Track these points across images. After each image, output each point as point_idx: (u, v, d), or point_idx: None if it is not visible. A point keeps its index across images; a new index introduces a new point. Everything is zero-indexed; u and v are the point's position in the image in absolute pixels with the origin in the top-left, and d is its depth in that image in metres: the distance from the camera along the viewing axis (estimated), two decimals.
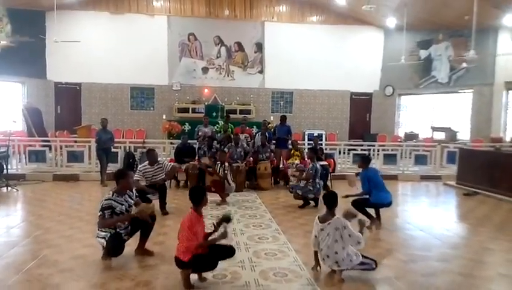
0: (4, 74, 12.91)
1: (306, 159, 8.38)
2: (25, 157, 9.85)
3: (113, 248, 4.12)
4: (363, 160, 6.19)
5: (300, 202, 7.08)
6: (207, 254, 3.63)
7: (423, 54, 15.00)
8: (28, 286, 3.66)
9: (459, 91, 14.34)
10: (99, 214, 4.19)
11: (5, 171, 8.65)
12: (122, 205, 4.29)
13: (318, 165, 7.15)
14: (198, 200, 3.81)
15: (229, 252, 3.83)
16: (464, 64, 13.61)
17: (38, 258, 4.34)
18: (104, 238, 4.13)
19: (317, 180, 7.02)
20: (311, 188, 6.95)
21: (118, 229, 4.23)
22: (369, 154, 10.26)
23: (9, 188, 8.05)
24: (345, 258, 3.83)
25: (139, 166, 6.78)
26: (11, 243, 4.84)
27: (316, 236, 3.99)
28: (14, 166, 9.56)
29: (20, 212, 6.87)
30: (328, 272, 4.03)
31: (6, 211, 6.67)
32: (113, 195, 4.29)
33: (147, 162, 6.54)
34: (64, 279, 3.83)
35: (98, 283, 3.75)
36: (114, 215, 4.18)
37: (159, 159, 6.80)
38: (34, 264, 4.18)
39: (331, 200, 4.05)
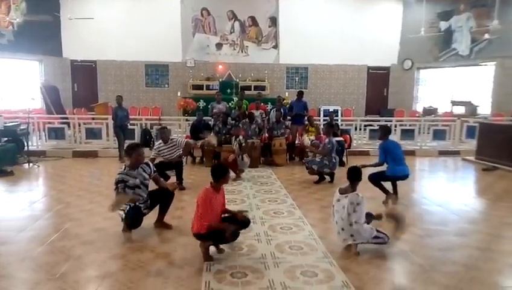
0: (21, 52, 13.03)
1: (322, 134, 8.32)
2: (45, 135, 10.06)
3: (132, 221, 4.22)
4: (383, 131, 6.08)
5: (316, 178, 7.07)
6: (223, 228, 3.69)
7: (443, 25, 14.48)
8: (51, 257, 3.79)
9: (481, 64, 13.86)
10: (114, 188, 4.33)
11: (26, 148, 8.88)
12: (136, 178, 4.35)
13: (334, 141, 7.11)
14: (217, 177, 3.85)
15: (243, 223, 3.89)
16: (486, 36, 13.10)
17: (60, 231, 4.48)
18: (123, 211, 4.22)
19: (333, 154, 6.99)
20: (327, 163, 6.92)
21: (137, 203, 4.31)
22: None
23: (30, 164, 8.27)
24: (360, 231, 3.83)
25: (155, 145, 6.93)
26: (34, 217, 5.00)
27: (333, 206, 4.03)
28: (35, 143, 9.79)
29: (42, 188, 7.06)
30: (343, 246, 4.05)
31: (28, 187, 6.87)
32: (125, 169, 4.39)
33: (160, 141, 6.62)
34: (86, 251, 3.95)
35: (118, 255, 3.86)
36: (127, 189, 4.26)
37: (173, 136, 6.87)
38: (57, 236, 4.32)
39: (354, 174, 4.02)
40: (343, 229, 3.90)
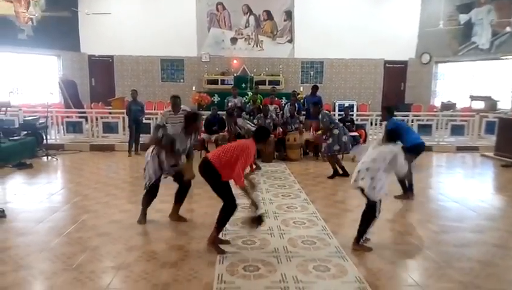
0: (40, 47, 13.28)
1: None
2: (63, 128, 10.25)
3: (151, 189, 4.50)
4: (387, 110, 5.98)
5: (330, 172, 7.04)
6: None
7: (463, 18, 14.12)
8: (68, 248, 3.88)
9: (502, 58, 13.47)
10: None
11: (44, 141, 9.08)
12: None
13: (333, 116, 7.22)
14: (260, 138, 3.85)
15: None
16: (508, 29, 12.72)
17: (77, 223, 4.57)
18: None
19: (341, 134, 6.99)
20: (332, 142, 6.93)
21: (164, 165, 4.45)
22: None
23: (49, 157, 8.45)
24: (380, 183, 3.73)
25: (164, 110, 6.39)
26: (52, 209, 5.12)
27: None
28: (53, 136, 9.99)
29: (60, 180, 7.21)
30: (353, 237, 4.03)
31: (47, 179, 7.03)
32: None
33: (170, 108, 5.87)
34: (102, 242, 4.03)
35: (134, 246, 3.92)
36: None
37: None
38: (74, 228, 4.42)
39: (393, 135, 4.02)
40: (367, 169, 3.75)
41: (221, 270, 3.40)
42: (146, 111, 9.81)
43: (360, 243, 3.89)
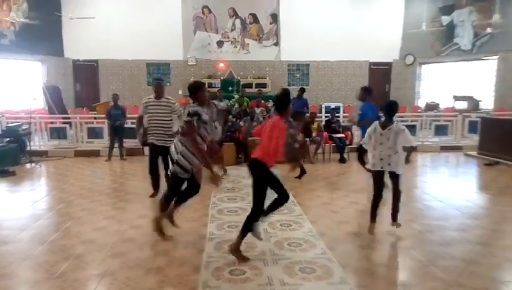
0: (23, 52, 13.08)
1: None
2: (47, 135, 10.10)
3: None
4: (366, 90, 6.34)
5: (319, 174, 7.06)
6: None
7: (445, 20, 14.38)
8: (52, 256, 3.81)
9: (483, 58, 13.76)
10: (185, 119, 3.89)
11: (28, 148, 8.93)
12: (207, 115, 4.06)
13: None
14: (284, 105, 3.68)
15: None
16: (489, 30, 12.99)
17: (61, 230, 4.50)
18: (185, 170, 3.98)
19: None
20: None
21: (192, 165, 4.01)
22: None
23: (32, 164, 8.31)
24: (400, 161, 4.26)
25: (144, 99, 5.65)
26: (36, 216, 5.03)
27: (371, 137, 4.39)
28: (37, 143, 9.83)
29: (44, 187, 7.09)
30: (342, 238, 4.05)
31: (31, 186, 6.91)
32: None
33: (152, 96, 5.49)
34: (86, 249, 3.97)
35: (118, 253, 3.87)
36: (201, 125, 3.94)
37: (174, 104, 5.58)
38: (58, 235, 4.34)
39: (391, 108, 4.36)
40: (389, 155, 4.25)
41: (207, 275, 3.38)
42: (132, 116, 9.70)
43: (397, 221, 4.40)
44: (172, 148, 4.08)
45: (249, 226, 3.67)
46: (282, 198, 3.77)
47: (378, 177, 4.40)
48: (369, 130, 4.45)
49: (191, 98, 4.14)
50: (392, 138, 4.23)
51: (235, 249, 3.66)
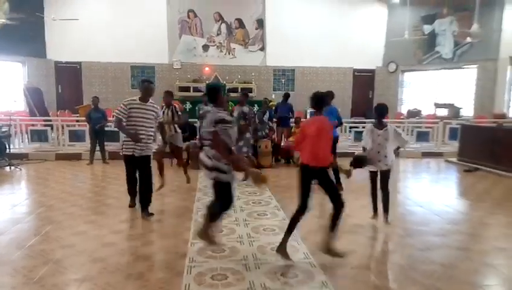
0: (4, 53, 12.80)
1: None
2: (27, 137, 9.91)
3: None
4: (332, 96, 7.13)
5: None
6: None
7: (427, 29, 14.71)
8: (30, 260, 3.73)
9: (463, 67, 14.11)
10: (212, 130, 3.63)
11: (7, 150, 8.72)
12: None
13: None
14: (321, 104, 3.91)
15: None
16: (469, 39, 13.35)
17: (40, 235, 4.41)
18: (224, 172, 3.65)
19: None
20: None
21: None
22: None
23: (12, 167, 8.13)
24: (390, 154, 4.76)
25: (125, 101, 5.02)
26: (14, 220, 4.92)
27: (369, 138, 4.81)
28: (17, 145, 9.63)
29: (24, 191, 6.95)
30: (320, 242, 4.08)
31: (10, 190, 6.76)
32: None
33: (137, 98, 5.01)
34: (66, 254, 3.90)
35: (98, 258, 3.81)
36: (227, 128, 3.67)
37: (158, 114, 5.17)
38: (37, 240, 4.26)
39: (381, 111, 4.84)
40: (386, 156, 4.72)
41: (189, 280, 3.35)
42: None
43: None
44: (202, 156, 3.75)
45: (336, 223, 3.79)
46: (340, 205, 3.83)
47: (374, 178, 4.92)
48: (366, 132, 4.89)
49: (212, 103, 3.93)
50: (390, 137, 4.69)
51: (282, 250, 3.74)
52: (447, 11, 14.21)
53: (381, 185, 4.83)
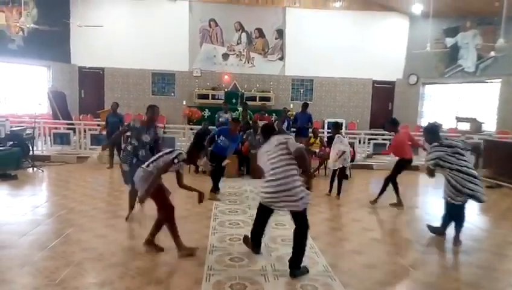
0: (30, 57, 13.18)
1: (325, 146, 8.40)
2: (50, 140, 10.12)
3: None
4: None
5: (322, 189, 7.07)
6: None
7: (449, 42, 14.52)
8: (52, 262, 3.79)
9: (486, 81, 13.85)
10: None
11: (31, 152, 8.93)
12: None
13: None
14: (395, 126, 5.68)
15: None
16: (492, 53, 13.08)
17: (62, 237, 4.48)
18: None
19: None
20: None
21: None
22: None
23: (35, 168, 8.31)
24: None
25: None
26: (36, 221, 5.01)
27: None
28: (40, 148, 9.85)
29: (45, 192, 7.08)
30: (344, 256, 4.02)
31: (32, 191, 6.90)
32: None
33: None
34: (86, 257, 3.94)
35: (118, 262, 3.85)
36: None
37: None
38: (58, 242, 4.32)
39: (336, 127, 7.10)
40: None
41: (208, 288, 3.35)
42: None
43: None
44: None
45: None
46: None
47: None
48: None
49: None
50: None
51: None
52: (470, 24, 14.01)
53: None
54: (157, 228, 4.11)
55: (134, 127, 5.12)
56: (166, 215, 4.02)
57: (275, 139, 3.88)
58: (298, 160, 3.74)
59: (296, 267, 3.61)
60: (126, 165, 5.07)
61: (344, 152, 6.71)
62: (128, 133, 5.30)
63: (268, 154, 3.82)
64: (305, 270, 3.70)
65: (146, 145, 5.08)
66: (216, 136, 6.57)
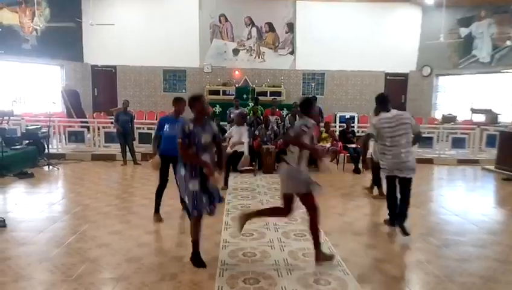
0: (44, 56, 13.40)
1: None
2: (65, 138, 10.29)
3: None
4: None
5: (332, 184, 7.03)
6: None
7: (464, 32, 14.26)
8: (68, 258, 3.87)
9: (502, 71, 13.57)
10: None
11: (46, 150, 9.10)
12: None
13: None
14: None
15: None
16: (508, 43, 12.83)
17: (77, 233, 4.56)
18: None
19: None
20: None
21: None
22: None
23: (50, 166, 8.46)
24: None
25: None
26: (52, 219, 5.11)
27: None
28: (55, 146, 10.02)
29: (61, 190, 7.21)
30: (356, 250, 4.01)
31: (48, 189, 7.04)
32: None
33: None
34: (102, 253, 4.01)
35: (133, 258, 3.90)
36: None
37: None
38: (74, 238, 4.40)
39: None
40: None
41: (222, 283, 3.38)
42: (148, 121, 9.83)
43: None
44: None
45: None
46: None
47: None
48: None
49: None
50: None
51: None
52: (485, 13, 13.73)
53: None
54: (315, 236, 3.84)
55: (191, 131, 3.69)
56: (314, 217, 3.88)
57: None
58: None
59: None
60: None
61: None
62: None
63: None
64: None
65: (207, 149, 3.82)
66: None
